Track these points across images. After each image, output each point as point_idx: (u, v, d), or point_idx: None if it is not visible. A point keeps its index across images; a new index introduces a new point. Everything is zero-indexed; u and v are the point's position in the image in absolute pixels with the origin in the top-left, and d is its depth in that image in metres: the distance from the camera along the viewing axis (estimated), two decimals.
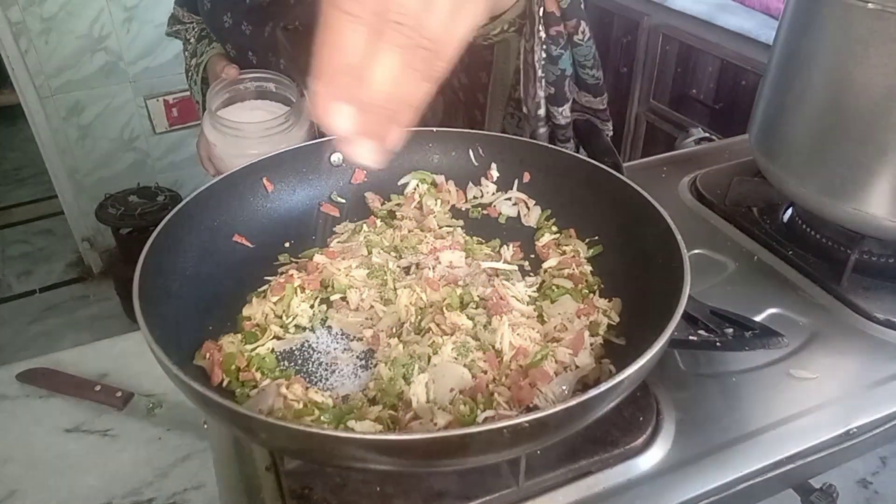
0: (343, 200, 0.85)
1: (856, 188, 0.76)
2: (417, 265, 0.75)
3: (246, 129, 0.91)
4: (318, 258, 0.75)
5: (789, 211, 0.95)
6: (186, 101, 2.77)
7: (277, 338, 0.67)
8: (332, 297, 0.72)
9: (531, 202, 0.84)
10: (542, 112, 0.95)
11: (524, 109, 0.96)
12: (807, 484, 0.67)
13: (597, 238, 0.77)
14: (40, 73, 2.49)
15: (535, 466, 0.58)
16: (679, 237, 0.63)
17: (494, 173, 0.86)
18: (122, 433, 0.89)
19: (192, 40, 1.19)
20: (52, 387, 0.93)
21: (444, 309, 0.67)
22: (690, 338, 0.61)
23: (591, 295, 0.71)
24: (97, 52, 2.56)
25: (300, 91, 0.96)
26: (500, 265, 0.75)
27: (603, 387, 0.47)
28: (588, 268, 0.74)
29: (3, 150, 3.79)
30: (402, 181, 0.87)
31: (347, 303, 0.71)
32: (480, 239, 0.81)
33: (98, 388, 0.92)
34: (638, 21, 2.33)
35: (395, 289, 0.71)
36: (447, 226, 0.83)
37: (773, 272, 0.86)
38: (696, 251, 0.88)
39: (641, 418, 0.63)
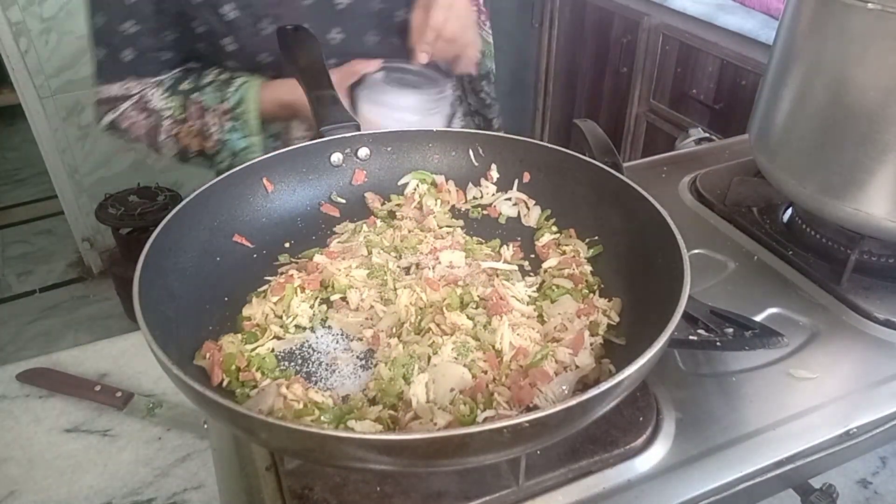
0: (343, 200, 0.85)
1: (856, 188, 0.76)
2: (417, 265, 0.75)
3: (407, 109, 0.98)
4: (318, 258, 0.75)
5: (789, 211, 0.95)
6: None
7: (277, 338, 0.67)
8: (332, 297, 0.72)
9: (531, 202, 0.84)
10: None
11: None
12: (807, 484, 0.67)
13: (597, 238, 0.77)
14: (40, 73, 2.49)
15: (535, 466, 0.58)
16: (679, 237, 0.63)
17: (494, 174, 0.86)
18: (122, 433, 0.88)
19: (167, 103, 1.06)
20: (52, 387, 0.93)
21: (444, 309, 0.67)
22: (690, 338, 0.61)
23: (591, 295, 0.71)
24: None
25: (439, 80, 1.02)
26: (500, 265, 0.75)
27: (603, 387, 0.47)
28: (588, 268, 0.74)
29: (3, 150, 3.79)
30: (402, 181, 0.87)
31: (347, 303, 0.71)
32: (480, 239, 0.81)
33: (98, 388, 0.92)
34: (638, 21, 2.33)
35: (395, 289, 0.71)
36: (447, 226, 0.83)
37: (773, 272, 0.86)
38: (696, 251, 0.88)
39: (641, 418, 0.63)
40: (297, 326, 0.69)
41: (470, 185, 0.87)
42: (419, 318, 0.68)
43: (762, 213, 0.95)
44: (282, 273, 0.74)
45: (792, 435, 0.65)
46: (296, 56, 0.93)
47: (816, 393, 0.69)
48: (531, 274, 0.76)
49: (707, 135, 1.28)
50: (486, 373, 0.61)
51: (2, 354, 2.50)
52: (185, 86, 1.06)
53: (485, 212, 0.86)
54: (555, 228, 0.81)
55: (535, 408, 0.57)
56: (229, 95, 1.04)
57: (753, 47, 1.93)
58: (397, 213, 0.84)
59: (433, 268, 0.74)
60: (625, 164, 1.12)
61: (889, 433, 0.68)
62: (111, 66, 1.06)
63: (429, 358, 0.62)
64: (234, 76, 1.06)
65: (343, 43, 1.09)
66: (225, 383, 0.61)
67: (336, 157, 0.84)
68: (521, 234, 0.82)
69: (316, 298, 0.72)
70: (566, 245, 0.78)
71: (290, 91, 1.01)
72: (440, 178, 0.87)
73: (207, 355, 0.62)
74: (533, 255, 0.79)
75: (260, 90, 1.04)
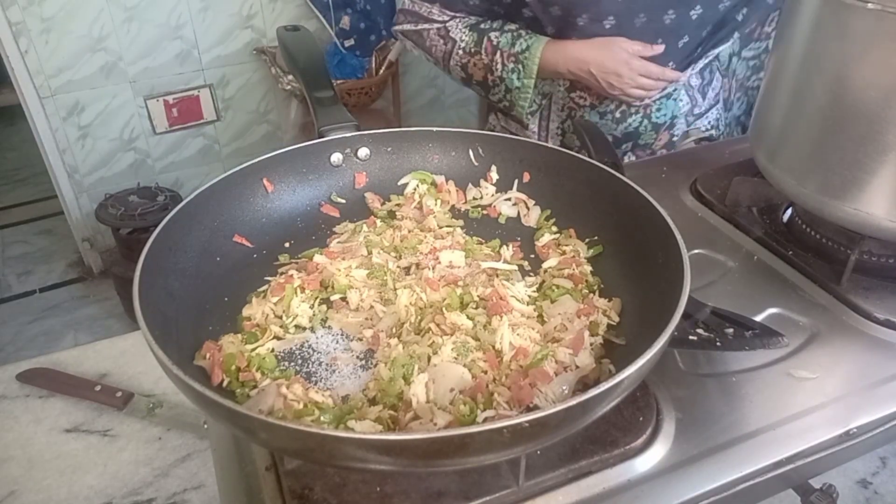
0: (343, 200, 0.85)
1: (856, 188, 0.76)
2: (417, 265, 0.75)
3: None
4: (318, 258, 0.75)
5: (789, 211, 0.95)
6: (186, 101, 2.77)
7: (277, 338, 0.67)
8: (332, 298, 0.72)
9: (531, 202, 0.84)
10: None
11: None
12: (807, 484, 0.67)
13: (597, 238, 0.77)
14: (40, 73, 2.49)
15: (535, 466, 0.58)
16: (679, 237, 0.63)
17: (494, 175, 0.86)
18: (122, 433, 0.88)
19: (464, 36, 1.23)
20: (52, 387, 0.93)
21: (444, 309, 0.67)
22: (690, 338, 0.61)
23: (591, 295, 0.71)
24: (97, 52, 2.55)
25: None
26: (500, 265, 0.75)
27: (603, 387, 0.47)
28: (588, 268, 0.74)
29: (2, 150, 3.79)
30: (402, 181, 0.87)
31: (347, 303, 0.71)
32: (480, 239, 0.81)
33: (98, 388, 0.92)
34: None
35: (395, 289, 0.71)
36: (447, 226, 0.83)
37: (773, 272, 0.86)
38: (696, 251, 0.88)
39: (641, 418, 0.63)
40: (297, 326, 0.69)
41: (470, 185, 0.87)
42: (419, 318, 0.68)
43: (762, 213, 0.95)
44: (282, 273, 0.74)
45: (792, 435, 0.65)
46: (296, 56, 0.93)
47: (816, 393, 0.69)
48: (531, 274, 0.76)
49: (707, 135, 1.28)
50: (486, 373, 0.61)
51: (2, 354, 2.50)
52: (485, 25, 1.23)
53: (485, 212, 0.86)
54: (555, 228, 0.81)
55: (535, 408, 0.57)
56: (520, 42, 1.20)
57: None
58: (397, 214, 0.84)
59: (433, 268, 0.74)
60: (625, 164, 1.12)
61: (889, 433, 0.68)
62: None
63: (429, 358, 0.62)
64: (527, 30, 1.22)
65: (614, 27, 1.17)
66: (225, 383, 0.61)
67: (336, 158, 0.84)
68: (521, 234, 0.82)
69: (316, 298, 0.72)
70: (566, 245, 0.78)
71: (577, 49, 1.17)
72: (440, 178, 0.87)
73: (207, 355, 0.62)
74: (533, 255, 0.79)
75: (545, 45, 1.19)
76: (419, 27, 1.28)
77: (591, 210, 0.78)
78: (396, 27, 1.33)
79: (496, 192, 0.86)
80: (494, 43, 1.21)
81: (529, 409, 0.57)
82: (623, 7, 1.12)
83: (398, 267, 0.75)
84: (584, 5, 1.12)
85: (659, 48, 1.16)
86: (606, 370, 0.62)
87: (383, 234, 0.80)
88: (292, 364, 0.65)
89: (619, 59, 1.14)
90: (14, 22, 2.38)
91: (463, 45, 1.24)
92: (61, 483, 0.82)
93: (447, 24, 1.26)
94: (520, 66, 1.20)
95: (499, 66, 1.22)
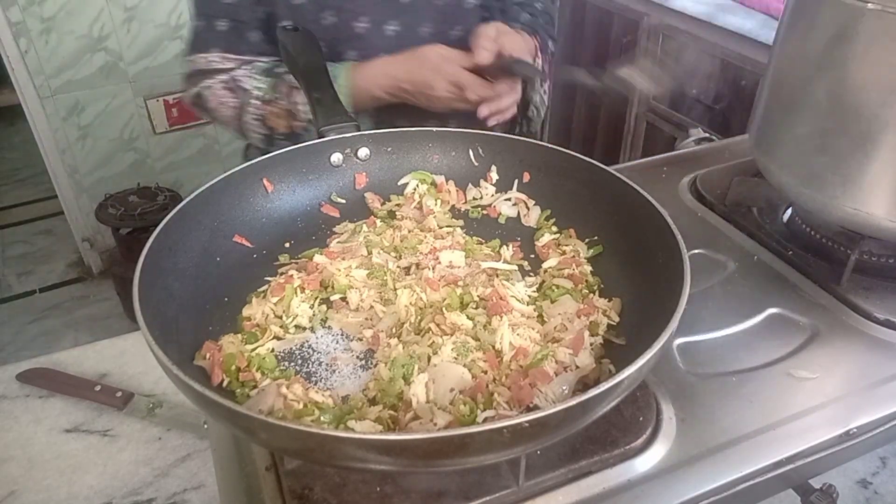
0: (343, 200, 0.85)
1: (856, 188, 0.76)
2: (417, 265, 0.75)
3: None
4: (318, 258, 0.75)
5: (789, 211, 0.95)
6: None
7: (277, 338, 0.67)
8: (332, 298, 0.72)
9: (531, 202, 0.84)
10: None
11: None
12: (807, 484, 0.67)
13: (597, 238, 0.77)
14: (40, 73, 2.49)
15: (535, 466, 0.58)
16: (679, 237, 0.63)
17: (494, 175, 0.86)
18: (122, 433, 0.88)
19: (258, 84, 1.06)
20: (52, 387, 0.93)
21: (444, 309, 0.67)
22: None
23: (591, 295, 0.71)
24: (97, 52, 2.55)
25: None
26: (500, 265, 0.75)
27: (603, 387, 0.47)
28: (588, 268, 0.74)
29: (2, 150, 3.79)
30: (402, 181, 0.87)
31: (347, 303, 0.71)
32: (480, 239, 0.81)
33: (98, 388, 0.91)
34: (638, 21, 2.33)
35: (395, 289, 0.71)
36: (447, 226, 0.83)
37: (773, 272, 0.86)
38: (696, 251, 0.88)
39: (641, 418, 0.63)
40: (297, 326, 0.69)
41: (470, 185, 0.87)
42: (419, 318, 0.68)
43: (762, 213, 0.95)
44: (282, 273, 0.74)
45: (792, 435, 0.65)
46: (296, 56, 0.93)
47: (816, 393, 0.69)
48: (531, 274, 0.76)
49: (707, 135, 1.28)
50: (486, 373, 0.61)
51: (2, 354, 2.50)
52: (280, 69, 1.06)
53: (485, 212, 0.86)
54: (555, 228, 0.81)
55: (535, 408, 0.57)
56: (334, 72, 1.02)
57: (753, 47, 1.93)
58: (397, 214, 0.84)
59: (433, 268, 0.74)
60: (625, 164, 1.12)
61: (889, 433, 0.68)
62: (205, 35, 1.08)
63: (429, 358, 0.62)
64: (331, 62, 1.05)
65: (398, 36, 1.10)
66: (225, 383, 0.61)
67: (336, 158, 0.84)
68: (521, 234, 0.82)
69: (316, 298, 0.72)
70: (566, 245, 0.78)
71: (385, 65, 1.03)
72: (440, 179, 0.87)
73: (207, 355, 0.62)
74: (533, 255, 0.79)
75: (350, 70, 1.04)
76: (200, 86, 1.09)
77: (591, 210, 0.78)
78: (188, 94, 1.13)
79: (496, 192, 0.86)
80: (290, 83, 1.03)
81: (529, 409, 0.57)
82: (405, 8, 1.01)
83: (398, 267, 0.75)
84: (353, 8, 1.02)
85: (480, 56, 1.00)
86: (606, 370, 0.62)
87: (383, 234, 0.80)
88: (292, 364, 0.65)
89: (427, 67, 1.00)
90: (14, 22, 2.38)
91: (257, 93, 1.05)
92: (61, 483, 0.82)
93: (234, 74, 1.06)
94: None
95: (301, 109, 1.03)
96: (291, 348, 0.66)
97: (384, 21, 1.10)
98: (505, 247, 0.79)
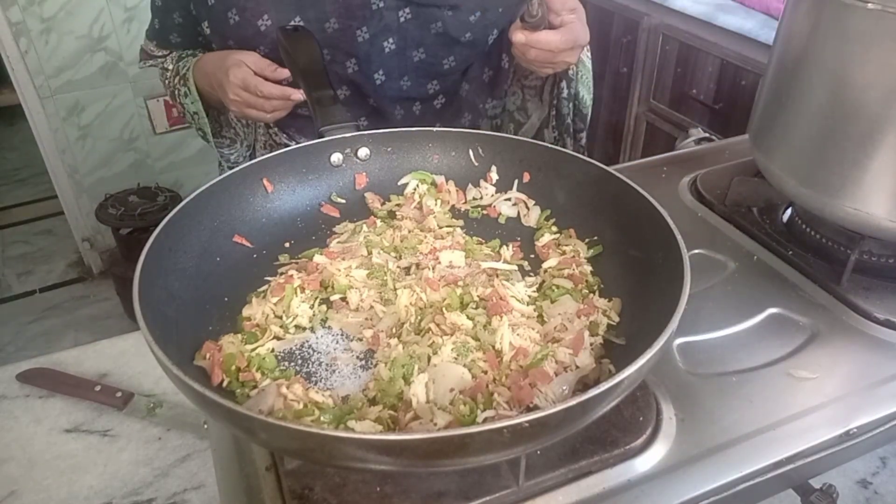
0: (343, 200, 0.85)
1: (856, 188, 0.76)
2: (417, 265, 0.75)
3: None
4: (318, 258, 0.75)
5: (789, 211, 0.95)
6: None
7: (277, 338, 0.67)
8: (332, 298, 0.72)
9: (531, 202, 0.84)
10: None
11: None
12: (807, 484, 0.67)
13: (597, 238, 0.77)
14: (40, 73, 2.49)
15: (535, 466, 0.58)
16: (679, 237, 0.63)
17: (494, 176, 0.86)
18: (122, 433, 0.88)
19: (170, 65, 1.15)
20: (52, 387, 0.93)
21: (444, 309, 0.67)
22: None
23: (591, 295, 0.71)
24: (97, 52, 2.55)
25: None
26: (499, 265, 0.75)
27: (603, 387, 0.47)
28: (588, 268, 0.74)
29: (2, 150, 3.79)
30: (402, 181, 0.87)
31: (347, 303, 0.71)
32: (480, 239, 0.81)
33: (98, 388, 0.91)
34: (638, 21, 2.33)
35: (395, 289, 0.71)
36: (447, 226, 0.83)
37: (773, 272, 0.86)
38: (696, 251, 0.88)
39: (641, 418, 0.63)
40: (297, 326, 0.69)
41: (470, 185, 0.87)
42: (419, 318, 0.68)
43: (762, 213, 0.95)
44: (282, 273, 0.74)
45: (792, 435, 0.65)
46: (296, 57, 0.93)
47: (816, 393, 0.69)
48: (531, 274, 0.76)
49: (707, 135, 1.28)
50: (486, 373, 0.61)
51: (2, 354, 2.50)
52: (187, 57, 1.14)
53: (485, 212, 0.86)
54: (555, 228, 0.81)
55: (535, 408, 0.57)
56: (185, 61, 1.12)
57: (753, 47, 1.93)
58: (397, 214, 0.84)
59: (433, 268, 0.74)
60: (625, 164, 1.12)
61: (889, 433, 0.68)
62: (151, 28, 1.17)
63: (429, 358, 0.62)
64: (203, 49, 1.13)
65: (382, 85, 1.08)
66: (225, 383, 0.61)
67: (336, 158, 0.84)
68: (521, 234, 0.82)
69: (316, 299, 0.72)
70: (566, 245, 0.78)
71: (205, 62, 1.06)
72: (440, 179, 0.87)
73: (207, 355, 0.62)
74: (533, 255, 0.79)
75: (197, 61, 1.09)
76: (148, 63, 1.21)
77: (591, 210, 0.78)
78: (141, 64, 1.24)
79: (496, 192, 0.86)
80: (172, 67, 1.12)
81: (529, 409, 0.57)
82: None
83: (398, 267, 0.75)
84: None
85: (284, 73, 0.96)
86: (606, 370, 0.62)
87: (383, 234, 0.80)
88: (292, 364, 0.65)
89: (224, 68, 0.96)
90: (14, 22, 2.38)
91: (169, 73, 1.15)
92: (61, 483, 0.82)
93: (165, 60, 1.17)
94: (186, 88, 1.09)
95: (177, 91, 1.12)
96: (291, 348, 0.66)
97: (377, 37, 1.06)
98: (505, 247, 0.79)
